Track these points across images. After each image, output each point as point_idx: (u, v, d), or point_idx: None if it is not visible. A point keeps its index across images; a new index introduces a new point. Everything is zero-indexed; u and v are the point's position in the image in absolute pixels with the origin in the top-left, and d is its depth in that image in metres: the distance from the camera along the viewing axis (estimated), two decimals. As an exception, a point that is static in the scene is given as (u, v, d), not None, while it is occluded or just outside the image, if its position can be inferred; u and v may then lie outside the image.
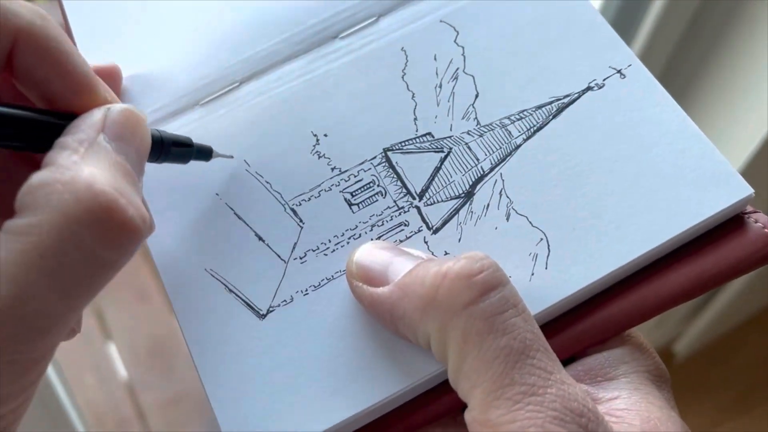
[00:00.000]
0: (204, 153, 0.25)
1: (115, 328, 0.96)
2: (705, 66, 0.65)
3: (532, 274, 0.23)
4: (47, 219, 0.17)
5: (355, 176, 0.26)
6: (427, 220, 0.25)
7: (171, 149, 0.23)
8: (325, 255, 0.24)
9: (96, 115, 0.20)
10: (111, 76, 0.27)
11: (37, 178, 0.17)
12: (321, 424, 0.22)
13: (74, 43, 0.28)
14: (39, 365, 0.17)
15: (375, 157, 0.26)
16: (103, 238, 0.17)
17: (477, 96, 0.27)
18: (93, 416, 0.90)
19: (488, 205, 0.25)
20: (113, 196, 0.17)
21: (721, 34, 0.62)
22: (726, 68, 0.63)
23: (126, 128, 0.20)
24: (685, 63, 0.66)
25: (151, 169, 0.23)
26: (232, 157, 0.25)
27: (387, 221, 0.25)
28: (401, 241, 0.24)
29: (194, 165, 0.25)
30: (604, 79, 0.26)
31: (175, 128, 0.27)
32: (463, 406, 0.20)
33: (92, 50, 0.28)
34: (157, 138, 0.22)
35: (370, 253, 0.23)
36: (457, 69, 0.27)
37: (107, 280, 0.18)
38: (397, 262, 0.22)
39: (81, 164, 0.18)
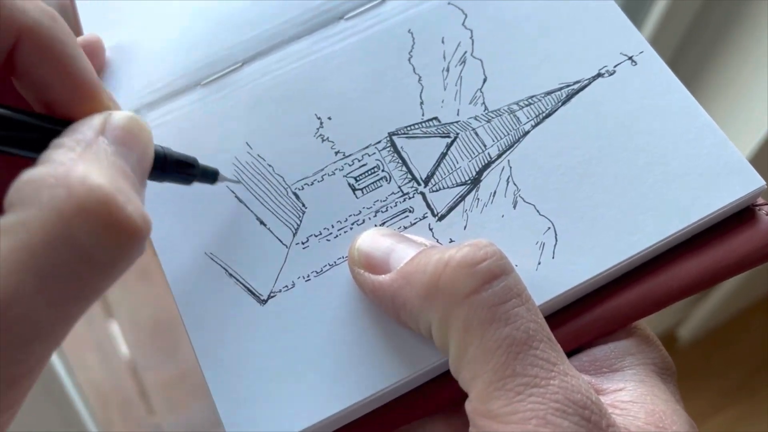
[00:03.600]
0: (209, 175, 0.23)
1: (117, 306, 0.96)
2: (712, 57, 0.65)
3: (539, 264, 0.23)
4: (37, 215, 0.15)
5: (359, 161, 0.25)
6: (432, 207, 0.24)
7: (174, 168, 0.22)
8: (328, 240, 0.24)
9: (96, 119, 0.18)
10: (91, 48, 0.25)
11: (26, 175, 0.16)
12: (320, 412, 0.21)
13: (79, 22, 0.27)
14: (23, 382, 0.16)
15: (380, 142, 0.25)
16: (99, 237, 0.16)
17: (485, 80, 0.26)
18: (95, 395, 0.90)
19: (495, 192, 0.24)
20: (110, 191, 0.16)
21: (728, 26, 0.61)
22: (734, 59, 0.62)
23: (128, 134, 0.18)
24: (691, 54, 0.65)
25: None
26: (239, 182, 0.24)
27: (391, 207, 0.24)
28: (405, 228, 0.24)
29: (194, 144, 0.24)
30: (615, 66, 0.26)
31: (176, 108, 0.26)
32: (465, 397, 0.20)
33: (95, 28, 0.27)
34: (160, 154, 0.21)
35: (372, 240, 0.22)
36: (465, 52, 0.26)
37: (104, 287, 0.16)
38: (399, 249, 0.22)
39: (77, 161, 0.16)
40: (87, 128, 0.18)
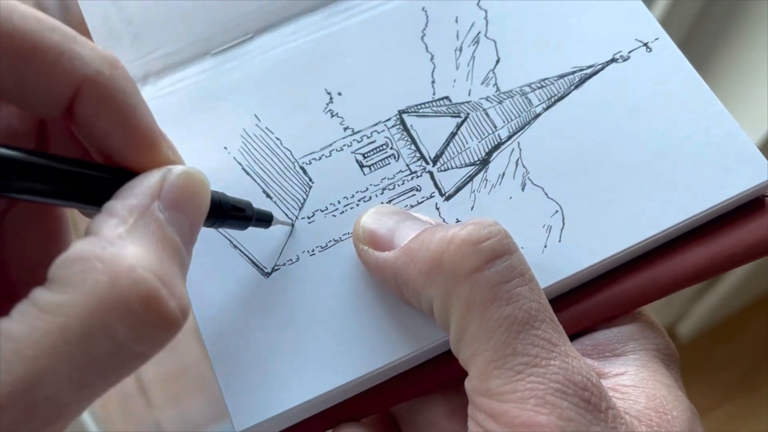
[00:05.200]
0: (263, 220, 0.23)
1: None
2: (714, 54, 0.64)
3: (545, 247, 0.23)
4: (79, 301, 0.15)
5: (368, 137, 0.25)
6: (440, 186, 0.24)
7: (229, 215, 0.21)
8: (334, 216, 0.24)
9: (153, 178, 0.18)
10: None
11: (75, 250, 0.16)
12: (319, 386, 0.21)
13: None
14: None
15: (389, 119, 0.25)
16: (137, 330, 0.16)
17: (498, 61, 0.26)
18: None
19: (504, 173, 0.24)
20: (154, 285, 0.16)
21: (729, 23, 0.61)
22: (736, 56, 0.62)
23: (184, 195, 0.18)
24: (692, 52, 0.65)
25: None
26: (292, 224, 0.24)
27: (398, 185, 0.24)
28: (412, 206, 0.24)
29: (203, 114, 0.24)
30: (629, 52, 0.26)
31: (185, 77, 0.26)
32: (465, 376, 0.20)
33: None
34: (215, 202, 0.20)
35: (377, 217, 0.22)
36: (479, 33, 0.26)
37: (132, 372, 0.16)
38: (404, 226, 0.22)
39: (126, 240, 0.16)
40: (142, 192, 0.17)
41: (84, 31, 0.26)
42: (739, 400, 0.91)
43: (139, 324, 0.16)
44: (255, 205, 0.22)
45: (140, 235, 0.17)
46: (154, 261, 0.16)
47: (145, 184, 0.18)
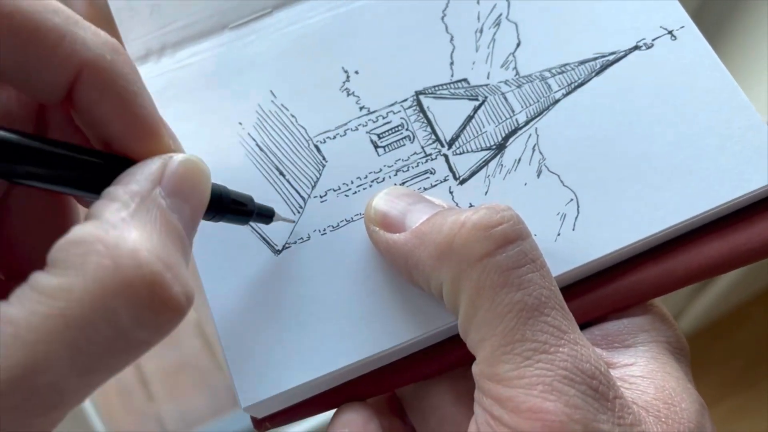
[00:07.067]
0: (264, 215, 0.22)
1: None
2: (720, 40, 0.63)
3: (558, 235, 0.22)
4: (80, 285, 0.14)
5: (383, 118, 0.25)
6: (455, 170, 0.24)
7: (229, 209, 0.21)
8: (346, 196, 0.24)
9: (154, 165, 0.17)
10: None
11: (76, 233, 0.15)
12: (327, 365, 0.21)
13: None
14: None
15: (406, 100, 0.25)
16: (141, 316, 0.15)
17: (518, 45, 0.25)
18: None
19: (519, 159, 0.24)
20: (159, 269, 0.15)
21: (728, 20, 0.60)
22: (734, 52, 0.61)
23: (186, 182, 0.18)
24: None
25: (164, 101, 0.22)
26: (294, 222, 0.23)
27: (413, 167, 0.24)
28: (426, 189, 0.24)
29: (218, 89, 0.24)
30: (653, 39, 0.25)
31: (202, 50, 0.26)
32: (472, 361, 0.19)
33: None
34: (216, 195, 0.20)
35: (389, 199, 0.22)
36: (500, 15, 0.26)
37: (134, 359, 0.16)
38: (416, 209, 0.21)
39: (129, 223, 0.16)
40: (143, 178, 0.17)
41: (102, 3, 0.26)
42: (738, 395, 0.91)
43: (143, 310, 0.15)
44: (267, 183, 0.22)
45: (143, 219, 0.16)
46: (158, 245, 0.16)
47: (146, 171, 0.17)
